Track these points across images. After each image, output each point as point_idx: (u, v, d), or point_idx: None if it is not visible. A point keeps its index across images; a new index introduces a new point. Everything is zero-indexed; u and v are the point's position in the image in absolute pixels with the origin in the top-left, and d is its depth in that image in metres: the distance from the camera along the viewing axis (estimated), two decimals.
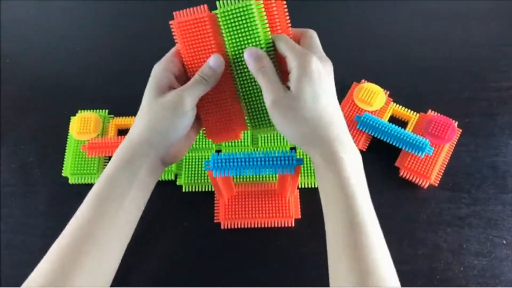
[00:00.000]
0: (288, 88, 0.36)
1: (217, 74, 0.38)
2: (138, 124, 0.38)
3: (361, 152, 0.55)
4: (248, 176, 0.52)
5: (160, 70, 0.38)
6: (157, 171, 0.40)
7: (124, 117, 0.57)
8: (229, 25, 0.37)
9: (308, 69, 0.35)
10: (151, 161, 0.38)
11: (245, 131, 0.55)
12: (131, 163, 0.37)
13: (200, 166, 0.54)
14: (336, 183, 0.35)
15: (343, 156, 0.35)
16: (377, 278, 0.33)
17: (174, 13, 0.39)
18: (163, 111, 0.37)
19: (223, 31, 0.38)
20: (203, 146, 0.55)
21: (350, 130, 0.55)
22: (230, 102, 0.40)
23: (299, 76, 0.35)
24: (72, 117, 0.57)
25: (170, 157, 0.40)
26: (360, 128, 0.54)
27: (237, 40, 0.37)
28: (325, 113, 0.36)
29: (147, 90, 0.38)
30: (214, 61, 0.38)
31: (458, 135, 0.55)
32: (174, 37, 0.39)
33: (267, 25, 0.38)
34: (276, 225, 0.51)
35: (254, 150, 0.55)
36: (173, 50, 0.40)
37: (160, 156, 0.38)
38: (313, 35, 0.41)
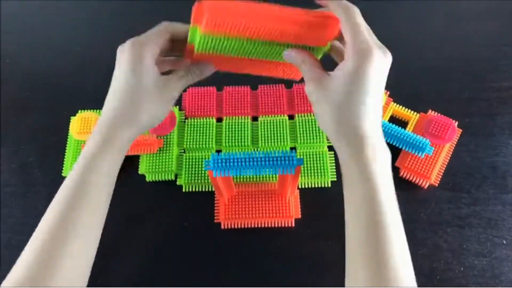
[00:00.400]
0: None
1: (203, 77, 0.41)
2: (120, 105, 0.38)
3: None
4: (248, 176, 0.52)
5: (145, 51, 0.38)
6: (132, 137, 0.40)
7: None
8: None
9: (365, 74, 0.33)
10: (133, 137, 0.39)
11: (245, 133, 0.56)
12: (115, 146, 0.37)
13: (200, 166, 0.54)
14: (362, 183, 0.33)
15: (372, 155, 0.33)
16: (393, 280, 0.31)
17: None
18: (150, 95, 0.38)
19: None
20: (203, 146, 0.55)
21: None
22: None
23: (352, 78, 0.33)
24: (72, 117, 0.57)
25: (147, 118, 0.40)
26: None
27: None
28: (364, 115, 0.34)
29: (128, 70, 0.38)
30: (208, 69, 0.41)
31: (458, 135, 0.55)
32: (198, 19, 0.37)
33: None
34: (276, 225, 0.51)
35: (254, 150, 0.55)
36: (158, 29, 0.40)
37: (141, 131, 0.40)
38: (357, 15, 0.36)
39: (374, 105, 0.34)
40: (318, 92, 0.35)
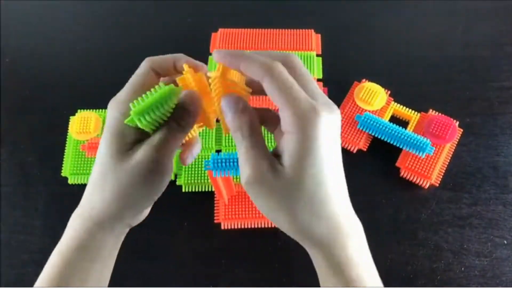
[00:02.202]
0: (277, 157, 0.26)
1: (196, 117, 0.29)
2: (97, 192, 0.29)
3: (361, 152, 0.55)
4: None
5: (122, 115, 0.28)
6: (123, 236, 0.33)
7: None
8: None
9: (316, 142, 0.25)
10: (116, 234, 0.31)
11: None
12: (91, 247, 0.29)
13: (200, 166, 0.54)
14: (334, 267, 0.28)
15: (350, 254, 0.27)
16: None
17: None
18: (134, 178, 0.27)
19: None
20: (203, 146, 0.55)
21: (350, 130, 0.55)
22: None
23: (301, 152, 0.25)
24: (71, 117, 0.57)
25: (137, 220, 0.34)
26: (361, 128, 0.54)
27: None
28: (329, 200, 0.26)
29: (104, 143, 0.28)
30: (191, 100, 0.28)
31: (459, 135, 0.55)
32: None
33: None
34: (276, 225, 0.50)
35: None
36: (135, 81, 0.30)
37: (127, 225, 0.32)
38: (297, 63, 0.27)
39: (338, 180, 0.27)
40: (264, 184, 0.26)
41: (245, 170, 0.26)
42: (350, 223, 0.28)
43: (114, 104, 0.29)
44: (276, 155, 0.27)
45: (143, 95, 0.28)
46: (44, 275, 0.31)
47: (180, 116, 0.28)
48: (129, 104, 0.27)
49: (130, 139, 0.28)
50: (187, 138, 0.34)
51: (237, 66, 0.26)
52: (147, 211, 0.35)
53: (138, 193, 0.28)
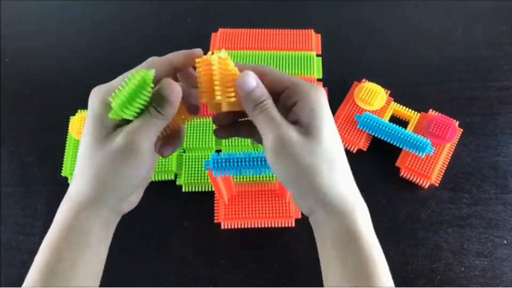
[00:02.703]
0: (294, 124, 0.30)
1: (176, 106, 0.29)
2: (80, 178, 0.30)
3: (361, 152, 0.55)
4: (248, 176, 0.52)
5: (101, 103, 0.29)
6: (113, 224, 0.33)
7: None
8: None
9: (326, 106, 0.29)
10: (103, 220, 0.31)
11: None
12: (77, 230, 0.30)
13: (200, 166, 0.54)
14: (355, 250, 0.30)
15: (360, 222, 0.31)
16: None
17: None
18: (112, 161, 0.28)
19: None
20: (203, 146, 0.55)
21: (350, 130, 0.55)
22: None
23: (319, 117, 0.29)
24: (72, 117, 0.57)
25: (127, 206, 0.34)
26: (361, 128, 0.54)
27: None
28: (341, 164, 0.30)
29: (86, 130, 0.29)
30: (169, 89, 0.29)
31: (459, 135, 0.55)
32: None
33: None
34: (276, 225, 0.50)
35: (254, 150, 0.55)
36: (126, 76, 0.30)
37: (114, 210, 0.32)
38: (272, 70, 0.31)
39: (343, 150, 0.31)
40: (286, 149, 0.28)
41: (269, 137, 0.29)
42: (359, 198, 0.32)
43: (97, 92, 0.30)
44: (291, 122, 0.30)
45: (119, 86, 0.28)
46: (33, 264, 0.31)
47: (159, 104, 0.29)
48: (109, 93, 0.29)
49: (109, 124, 0.29)
50: (171, 128, 0.34)
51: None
52: (136, 199, 0.35)
53: (117, 176, 0.29)
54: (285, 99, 0.30)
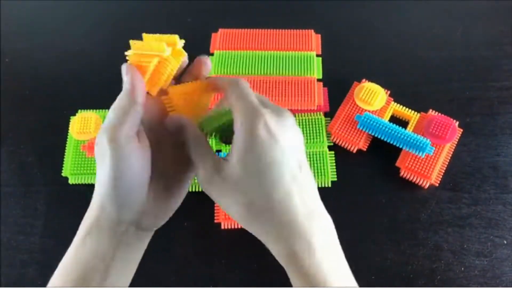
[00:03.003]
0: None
1: (139, 93, 0.31)
2: (130, 205, 0.30)
3: (361, 152, 0.55)
4: None
5: (130, 157, 0.29)
6: (140, 241, 0.33)
7: None
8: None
9: (255, 134, 0.27)
10: (122, 231, 0.30)
11: None
12: (97, 245, 0.29)
13: None
14: (300, 280, 0.28)
15: (300, 248, 0.28)
16: None
17: None
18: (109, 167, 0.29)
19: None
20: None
21: (350, 130, 0.55)
22: None
23: (244, 145, 0.27)
24: (72, 117, 0.57)
25: (148, 219, 0.33)
26: (361, 128, 0.54)
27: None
28: (276, 190, 0.27)
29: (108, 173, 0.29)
30: (128, 76, 0.32)
31: (459, 135, 0.55)
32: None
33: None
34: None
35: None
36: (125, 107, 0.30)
37: (129, 220, 0.30)
38: (242, 85, 0.30)
39: (288, 170, 0.28)
40: (217, 181, 0.28)
41: (199, 175, 0.30)
42: (314, 214, 0.29)
43: (118, 143, 0.29)
44: (225, 159, 0.29)
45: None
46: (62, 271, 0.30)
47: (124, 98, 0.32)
48: (129, 137, 0.29)
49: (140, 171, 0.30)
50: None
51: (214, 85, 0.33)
52: (164, 212, 0.35)
53: (169, 202, 0.33)
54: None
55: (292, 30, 0.63)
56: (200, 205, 0.52)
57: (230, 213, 0.30)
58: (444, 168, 0.53)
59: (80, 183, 0.53)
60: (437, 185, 0.52)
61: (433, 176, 0.52)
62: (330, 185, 0.53)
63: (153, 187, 0.31)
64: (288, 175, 0.28)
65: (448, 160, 0.54)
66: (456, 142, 0.55)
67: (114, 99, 0.65)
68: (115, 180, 0.28)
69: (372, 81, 0.58)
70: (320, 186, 0.53)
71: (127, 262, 0.32)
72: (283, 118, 0.29)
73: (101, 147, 0.29)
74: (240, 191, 0.28)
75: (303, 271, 0.28)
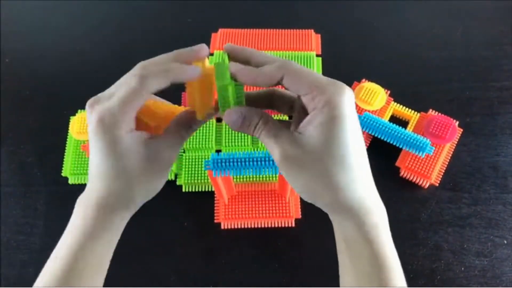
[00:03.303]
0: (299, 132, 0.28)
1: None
2: (110, 185, 0.30)
3: None
4: (248, 176, 0.52)
5: (126, 133, 0.29)
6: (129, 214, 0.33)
7: None
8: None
9: (343, 111, 0.27)
10: (127, 219, 0.33)
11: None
12: (107, 232, 0.31)
13: (200, 166, 0.54)
14: (371, 256, 0.30)
15: (376, 222, 0.30)
16: None
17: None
18: (147, 174, 0.30)
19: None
20: (203, 146, 0.55)
21: None
22: None
23: (327, 119, 0.27)
24: (72, 117, 0.57)
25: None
26: (360, 128, 0.54)
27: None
28: (358, 166, 0.29)
29: (104, 155, 0.29)
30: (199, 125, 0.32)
31: (459, 135, 0.55)
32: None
33: None
34: (276, 225, 0.50)
35: (254, 150, 0.55)
36: (132, 90, 0.29)
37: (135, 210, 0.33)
38: (296, 64, 0.30)
39: (363, 150, 0.30)
40: (296, 159, 0.28)
41: (274, 154, 0.29)
42: (377, 199, 0.31)
43: (107, 122, 0.29)
44: (298, 132, 0.29)
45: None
46: (53, 264, 0.31)
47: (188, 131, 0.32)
48: (122, 120, 0.29)
49: (133, 148, 0.29)
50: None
51: (247, 59, 0.30)
52: (154, 190, 0.34)
53: (150, 184, 0.31)
54: (305, 102, 0.29)
55: (292, 30, 0.63)
56: (200, 205, 0.52)
57: (307, 190, 0.29)
58: (444, 168, 0.53)
59: (80, 183, 0.54)
60: (437, 185, 0.52)
61: (433, 176, 0.52)
62: None
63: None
64: (363, 157, 0.30)
65: (448, 160, 0.54)
66: (456, 142, 0.55)
67: None
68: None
69: (372, 81, 0.58)
70: None
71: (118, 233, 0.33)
72: (351, 92, 0.29)
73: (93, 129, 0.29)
74: (323, 164, 0.28)
75: (375, 245, 0.30)
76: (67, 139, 0.56)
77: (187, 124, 0.32)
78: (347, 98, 0.28)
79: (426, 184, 0.52)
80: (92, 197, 0.31)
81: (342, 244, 0.31)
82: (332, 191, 0.28)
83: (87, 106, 0.31)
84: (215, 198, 0.52)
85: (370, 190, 0.31)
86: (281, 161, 0.28)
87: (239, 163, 0.41)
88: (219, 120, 0.57)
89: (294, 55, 0.60)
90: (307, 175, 0.28)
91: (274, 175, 0.52)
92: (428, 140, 0.51)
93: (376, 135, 0.54)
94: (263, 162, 0.41)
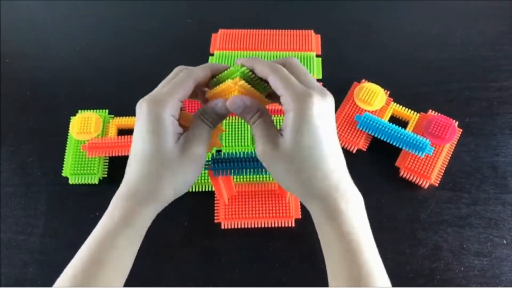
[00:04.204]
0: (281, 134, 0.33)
1: (224, 118, 0.36)
2: (143, 178, 0.33)
3: (361, 152, 0.55)
4: (248, 176, 0.52)
5: (165, 114, 0.32)
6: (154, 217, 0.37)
7: (124, 117, 0.57)
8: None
9: (308, 116, 0.31)
10: (154, 214, 0.36)
11: (245, 133, 0.55)
12: (134, 225, 0.34)
13: None
14: (338, 239, 0.32)
15: (343, 207, 0.32)
16: None
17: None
18: (177, 168, 0.33)
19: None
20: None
21: (350, 130, 0.55)
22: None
23: (297, 125, 0.31)
24: (72, 117, 0.57)
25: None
26: (360, 128, 0.54)
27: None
28: (323, 163, 0.32)
29: (148, 138, 0.32)
30: (222, 107, 0.35)
31: (459, 135, 0.55)
32: None
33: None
34: (276, 225, 0.51)
35: (254, 150, 0.55)
36: (180, 80, 0.34)
37: (163, 206, 0.36)
38: (295, 63, 0.35)
39: (331, 149, 0.33)
40: (271, 155, 0.33)
41: (256, 147, 0.34)
42: (348, 188, 0.34)
43: (156, 102, 0.33)
44: (281, 134, 0.33)
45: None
46: (82, 252, 0.33)
47: (214, 118, 0.36)
48: (168, 103, 0.32)
49: (171, 132, 0.33)
50: None
51: (252, 68, 0.35)
52: (183, 187, 0.37)
53: (179, 179, 0.34)
54: (282, 103, 0.33)
55: (292, 30, 0.63)
56: (200, 205, 0.53)
57: (281, 181, 0.35)
58: (444, 168, 0.53)
59: (80, 183, 0.54)
60: (437, 185, 0.52)
61: (432, 176, 0.52)
62: None
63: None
64: (332, 153, 0.33)
65: (447, 160, 0.54)
66: (455, 142, 0.55)
67: (114, 99, 0.65)
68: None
69: (372, 81, 0.58)
70: None
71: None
72: (327, 101, 0.33)
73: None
74: (292, 165, 0.32)
75: (341, 228, 0.32)
76: (67, 139, 0.56)
77: (211, 111, 0.35)
78: (316, 108, 0.31)
79: (425, 184, 0.52)
80: (122, 188, 0.34)
81: (318, 230, 0.34)
82: (300, 185, 0.33)
83: (137, 105, 0.33)
84: (215, 198, 0.52)
85: (341, 182, 0.33)
86: (259, 155, 0.34)
87: (239, 163, 0.41)
88: None
89: (294, 56, 0.60)
90: (279, 170, 0.33)
91: None
92: (428, 140, 0.52)
93: (376, 135, 0.54)
94: None
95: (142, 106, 0.32)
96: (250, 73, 0.34)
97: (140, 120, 0.33)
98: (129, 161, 0.34)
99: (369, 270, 0.31)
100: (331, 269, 0.33)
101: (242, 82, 0.34)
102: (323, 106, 0.32)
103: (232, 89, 0.34)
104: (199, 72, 0.35)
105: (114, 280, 0.34)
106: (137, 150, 0.33)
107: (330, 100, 0.33)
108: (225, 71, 0.36)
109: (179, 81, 0.34)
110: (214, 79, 0.36)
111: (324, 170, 0.32)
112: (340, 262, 0.32)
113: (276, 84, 0.32)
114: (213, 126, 0.36)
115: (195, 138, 0.34)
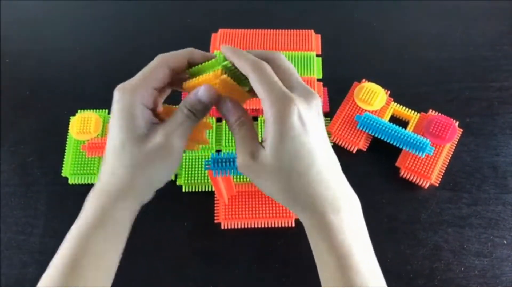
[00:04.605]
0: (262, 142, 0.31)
1: (209, 109, 0.33)
2: (115, 172, 0.31)
3: (361, 152, 0.55)
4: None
5: (135, 102, 0.31)
6: (135, 216, 0.35)
7: None
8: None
9: (288, 124, 0.28)
10: (133, 211, 0.34)
11: None
12: (113, 221, 0.32)
13: (200, 166, 0.54)
14: (328, 253, 0.30)
15: (333, 220, 0.30)
16: None
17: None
18: (151, 158, 0.31)
19: None
20: (203, 146, 0.55)
21: (350, 130, 0.55)
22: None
23: (277, 136, 0.29)
24: (72, 117, 0.57)
25: (147, 198, 0.35)
26: (361, 128, 0.54)
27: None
28: (307, 175, 0.30)
29: (117, 126, 0.31)
30: (205, 93, 0.32)
31: (459, 135, 0.55)
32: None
33: None
34: (276, 225, 0.51)
35: None
36: (146, 72, 0.32)
37: (142, 203, 0.34)
38: (281, 60, 0.32)
39: (317, 157, 0.30)
40: (253, 169, 0.31)
41: (237, 159, 0.32)
42: (339, 195, 0.31)
43: (126, 89, 0.31)
44: (262, 146, 0.31)
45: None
46: (58, 256, 0.32)
47: (197, 108, 0.32)
48: (139, 91, 0.31)
49: (142, 121, 0.31)
50: None
51: (232, 61, 0.32)
52: (153, 192, 0.36)
53: (154, 172, 0.32)
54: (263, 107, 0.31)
55: (292, 30, 0.63)
56: (200, 205, 0.52)
57: (266, 193, 0.33)
58: (444, 168, 0.53)
59: (80, 183, 0.54)
60: (437, 185, 0.52)
61: (433, 176, 0.52)
62: None
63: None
64: (319, 160, 0.30)
65: (448, 160, 0.54)
66: (456, 142, 0.55)
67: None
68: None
69: (372, 81, 0.58)
70: None
71: (127, 235, 0.35)
72: (311, 105, 0.30)
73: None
74: (275, 177, 0.30)
75: (333, 241, 0.30)
76: (67, 139, 0.56)
77: (193, 98, 0.33)
78: (297, 115, 0.29)
79: (426, 184, 0.52)
80: (96, 184, 0.33)
81: (309, 240, 0.33)
82: (285, 197, 0.31)
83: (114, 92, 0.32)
84: (215, 198, 0.52)
85: (329, 191, 0.31)
86: (239, 168, 0.32)
87: None
88: (219, 120, 0.57)
89: (294, 55, 0.60)
90: (261, 182, 0.32)
91: None
92: (428, 140, 0.52)
93: (376, 135, 0.54)
94: None
95: (114, 94, 0.31)
96: (233, 66, 0.32)
97: (112, 109, 0.31)
98: (103, 155, 0.33)
99: (363, 283, 0.30)
100: (322, 277, 0.32)
101: (224, 76, 0.31)
102: (307, 111, 0.29)
103: (213, 82, 0.32)
104: (173, 59, 0.32)
105: (95, 280, 0.31)
106: (109, 141, 0.31)
107: (315, 103, 0.30)
108: (207, 62, 0.33)
109: (150, 68, 0.32)
110: (192, 68, 0.34)
111: (309, 182, 0.30)
112: (331, 279, 0.31)
113: (255, 86, 0.30)
114: (196, 118, 0.33)
115: (172, 129, 0.31)
